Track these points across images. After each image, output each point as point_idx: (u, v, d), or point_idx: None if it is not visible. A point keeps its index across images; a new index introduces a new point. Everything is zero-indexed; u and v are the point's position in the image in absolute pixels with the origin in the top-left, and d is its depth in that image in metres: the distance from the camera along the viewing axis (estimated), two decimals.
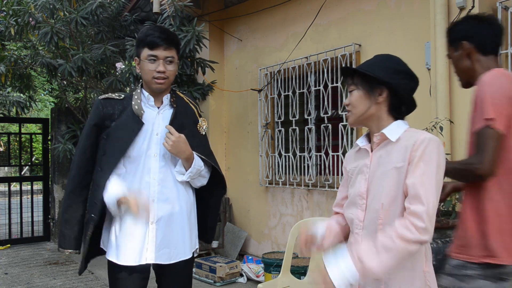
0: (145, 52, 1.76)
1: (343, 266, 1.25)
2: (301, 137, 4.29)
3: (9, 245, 5.96)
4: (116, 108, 1.79)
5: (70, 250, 1.80)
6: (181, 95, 1.93)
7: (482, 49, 1.62)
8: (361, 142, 1.47)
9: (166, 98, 1.85)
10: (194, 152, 1.81)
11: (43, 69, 4.86)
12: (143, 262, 1.76)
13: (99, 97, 1.87)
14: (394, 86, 1.36)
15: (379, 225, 1.33)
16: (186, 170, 1.79)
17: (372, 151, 1.43)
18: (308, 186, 4.15)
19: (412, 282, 1.32)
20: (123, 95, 1.84)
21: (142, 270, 1.79)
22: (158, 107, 1.83)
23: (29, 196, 6.22)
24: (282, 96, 4.47)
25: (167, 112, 1.84)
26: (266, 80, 4.67)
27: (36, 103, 6.56)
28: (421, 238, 1.22)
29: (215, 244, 4.80)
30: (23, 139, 9.67)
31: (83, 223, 1.81)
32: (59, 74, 4.81)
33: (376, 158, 1.40)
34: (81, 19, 4.30)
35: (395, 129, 1.38)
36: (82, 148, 1.80)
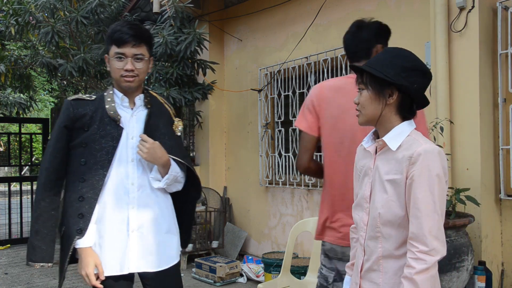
0: (113, 49, 1.68)
1: None
2: None
3: (9, 245, 5.96)
4: (87, 109, 1.69)
5: (41, 264, 1.65)
6: (155, 94, 1.86)
7: (349, 57, 1.82)
8: (367, 142, 1.42)
9: (139, 98, 1.77)
10: (170, 157, 1.73)
11: (43, 69, 4.87)
12: (125, 272, 1.69)
13: (68, 98, 1.75)
14: (404, 86, 1.29)
15: (377, 233, 1.33)
16: (162, 177, 1.73)
17: (376, 153, 1.39)
18: (308, 186, 4.15)
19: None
20: (94, 96, 1.75)
21: (126, 277, 1.72)
22: (132, 109, 1.75)
23: (29, 196, 6.21)
24: (282, 96, 4.47)
25: (141, 113, 1.76)
26: (266, 80, 4.66)
27: (36, 103, 6.54)
28: (435, 258, 1.21)
29: (215, 244, 4.79)
30: (23, 139, 9.65)
31: (54, 233, 1.68)
32: (59, 74, 4.81)
33: (377, 163, 1.37)
34: (81, 19, 4.30)
35: (397, 136, 1.32)
36: (53, 152, 1.67)
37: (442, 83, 2.90)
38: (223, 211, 4.96)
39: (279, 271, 3.14)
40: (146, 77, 4.67)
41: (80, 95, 1.75)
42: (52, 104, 11.17)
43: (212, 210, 4.89)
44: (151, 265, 1.72)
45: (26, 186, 6.55)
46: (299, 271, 3.45)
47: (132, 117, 1.74)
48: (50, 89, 10.87)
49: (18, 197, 6.16)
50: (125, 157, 1.70)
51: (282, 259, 3.22)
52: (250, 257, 4.53)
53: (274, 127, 4.63)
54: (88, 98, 1.73)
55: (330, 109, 1.76)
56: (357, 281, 1.40)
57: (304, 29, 4.17)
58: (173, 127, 1.83)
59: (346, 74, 3.80)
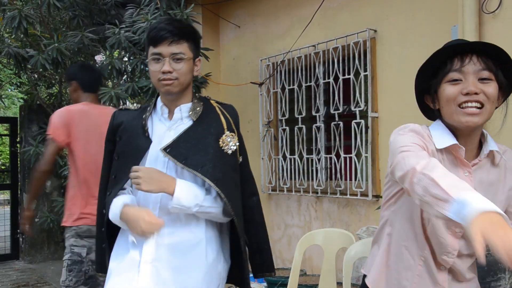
0: (150, 50, 1.71)
1: None
2: (308, 137, 4.29)
3: None
4: (124, 118, 1.79)
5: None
6: (215, 104, 1.85)
7: (83, 87, 2.91)
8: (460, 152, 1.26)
9: (179, 110, 1.75)
10: (181, 184, 1.64)
11: (10, 60, 4.83)
12: None
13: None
14: None
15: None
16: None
17: (470, 168, 1.29)
18: (317, 192, 4.16)
19: None
20: (139, 105, 1.85)
21: None
22: (170, 120, 1.77)
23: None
24: (287, 90, 4.48)
25: (181, 127, 1.73)
26: (268, 72, 4.68)
27: (2, 99, 6.52)
28: None
29: None
30: None
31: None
32: (30, 67, 4.79)
33: (477, 181, 1.27)
34: (54, 1, 4.30)
35: (492, 142, 1.29)
36: (104, 170, 1.84)
37: None
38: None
39: None
40: (130, 69, 4.70)
41: (128, 105, 1.88)
42: (21, 101, 11.13)
43: None
44: None
45: None
46: None
47: (169, 131, 1.72)
48: (18, 84, 10.80)
49: None
50: None
51: (287, 277, 3.21)
52: (250, 275, 4.52)
53: (277, 126, 4.64)
54: (133, 108, 1.84)
55: (80, 127, 2.74)
56: None
57: (311, 12, 4.16)
58: (220, 142, 1.75)
59: (359, 64, 3.79)
